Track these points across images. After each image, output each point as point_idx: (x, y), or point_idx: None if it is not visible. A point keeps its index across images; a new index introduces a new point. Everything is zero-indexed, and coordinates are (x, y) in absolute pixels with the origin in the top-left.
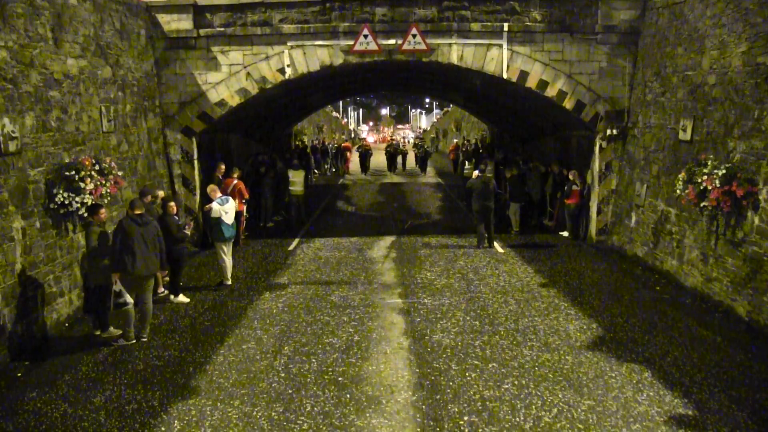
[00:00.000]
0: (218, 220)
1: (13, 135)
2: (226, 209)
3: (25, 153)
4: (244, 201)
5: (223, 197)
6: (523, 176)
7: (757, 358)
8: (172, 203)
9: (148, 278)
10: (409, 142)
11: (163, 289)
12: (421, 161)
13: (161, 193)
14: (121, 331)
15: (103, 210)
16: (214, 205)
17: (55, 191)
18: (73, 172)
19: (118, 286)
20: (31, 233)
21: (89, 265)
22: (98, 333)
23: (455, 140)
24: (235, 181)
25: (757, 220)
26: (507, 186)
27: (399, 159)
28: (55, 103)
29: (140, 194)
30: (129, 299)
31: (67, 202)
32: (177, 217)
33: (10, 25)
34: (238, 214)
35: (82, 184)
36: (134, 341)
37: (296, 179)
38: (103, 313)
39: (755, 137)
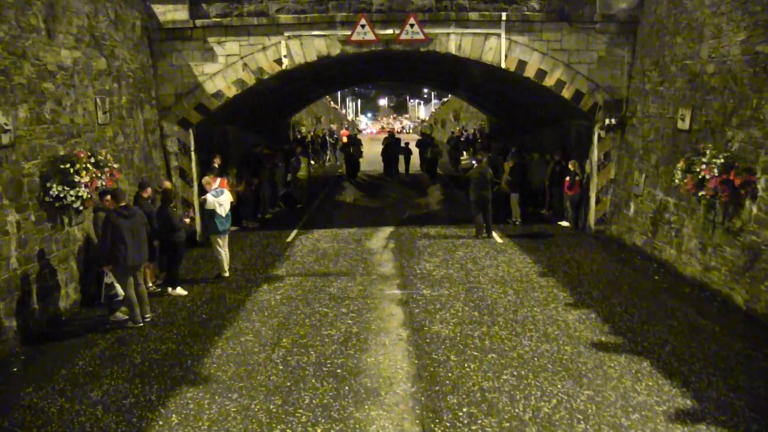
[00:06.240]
0: (212, 213)
1: (7, 128)
2: (221, 201)
3: (18, 146)
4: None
5: (218, 189)
6: (523, 166)
7: (754, 346)
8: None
9: (139, 267)
10: (407, 133)
11: (150, 285)
12: (429, 164)
13: (168, 184)
14: (127, 316)
15: (109, 196)
16: (209, 197)
17: (49, 184)
18: (68, 165)
19: (109, 279)
20: (26, 227)
21: (99, 249)
22: (111, 318)
23: (457, 128)
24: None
25: (755, 209)
26: (507, 176)
27: (401, 160)
28: (49, 95)
29: (139, 187)
30: (120, 291)
31: (62, 195)
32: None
33: (1, 16)
34: None
35: (77, 177)
36: (141, 324)
37: (302, 165)
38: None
39: (754, 126)
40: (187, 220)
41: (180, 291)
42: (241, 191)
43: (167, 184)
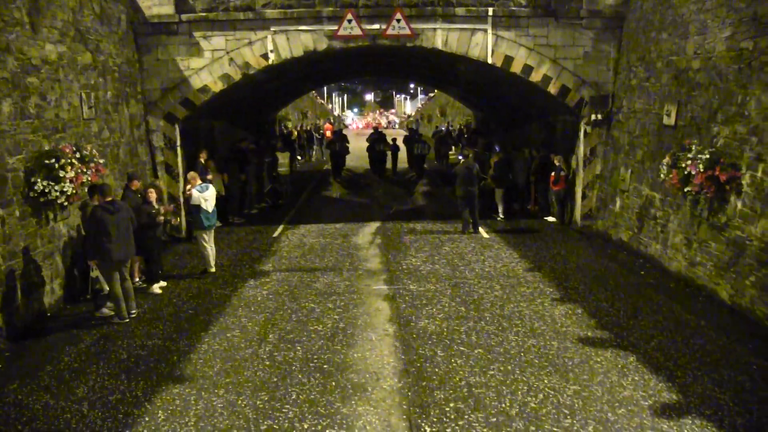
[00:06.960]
0: (198, 208)
1: None
2: (206, 197)
3: (2, 140)
4: None
5: (203, 184)
6: (508, 161)
7: (738, 341)
8: (152, 189)
9: (125, 262)
10: (394, 128)
11: (137, 280)
12: (417, 161)
13: (159, 183)
14: (112, 312)
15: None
16: (194, 192)
17: (34, 179)
18: (53, 160)
19: (95, 273)
20: (11, 222)
21: (85, 244)
22: (97, 314)
23: (446, 123)
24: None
25: (739, 205)
26: (492, 171)
27: (389, 157)
28: (33, 90)
29: (128, 179)
30: (105, 287)
31: (46, 190)
32: (154, 205)
33: None
34: None
35: (62, 172)
36: (127, 319)
37: (283, 161)
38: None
39: (738, 122)
40: (161, 218)
41: (156, 289)
42: (225, 181)
43: (159, 183)
